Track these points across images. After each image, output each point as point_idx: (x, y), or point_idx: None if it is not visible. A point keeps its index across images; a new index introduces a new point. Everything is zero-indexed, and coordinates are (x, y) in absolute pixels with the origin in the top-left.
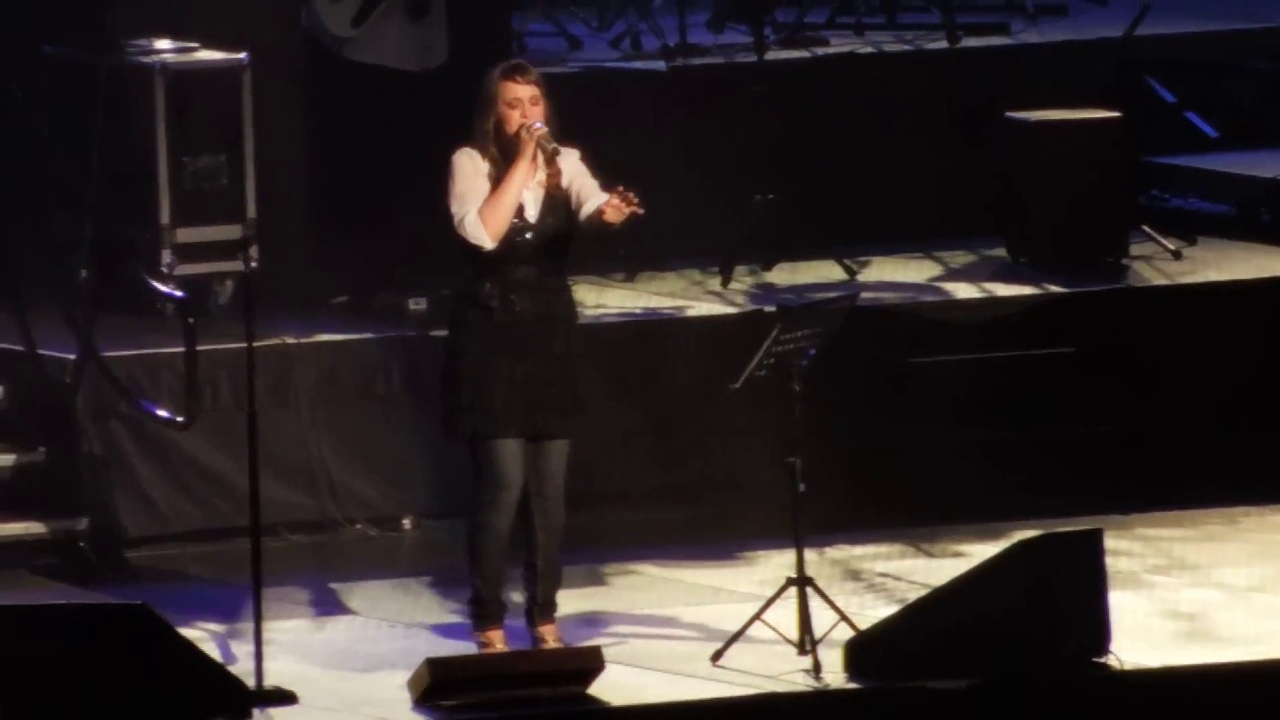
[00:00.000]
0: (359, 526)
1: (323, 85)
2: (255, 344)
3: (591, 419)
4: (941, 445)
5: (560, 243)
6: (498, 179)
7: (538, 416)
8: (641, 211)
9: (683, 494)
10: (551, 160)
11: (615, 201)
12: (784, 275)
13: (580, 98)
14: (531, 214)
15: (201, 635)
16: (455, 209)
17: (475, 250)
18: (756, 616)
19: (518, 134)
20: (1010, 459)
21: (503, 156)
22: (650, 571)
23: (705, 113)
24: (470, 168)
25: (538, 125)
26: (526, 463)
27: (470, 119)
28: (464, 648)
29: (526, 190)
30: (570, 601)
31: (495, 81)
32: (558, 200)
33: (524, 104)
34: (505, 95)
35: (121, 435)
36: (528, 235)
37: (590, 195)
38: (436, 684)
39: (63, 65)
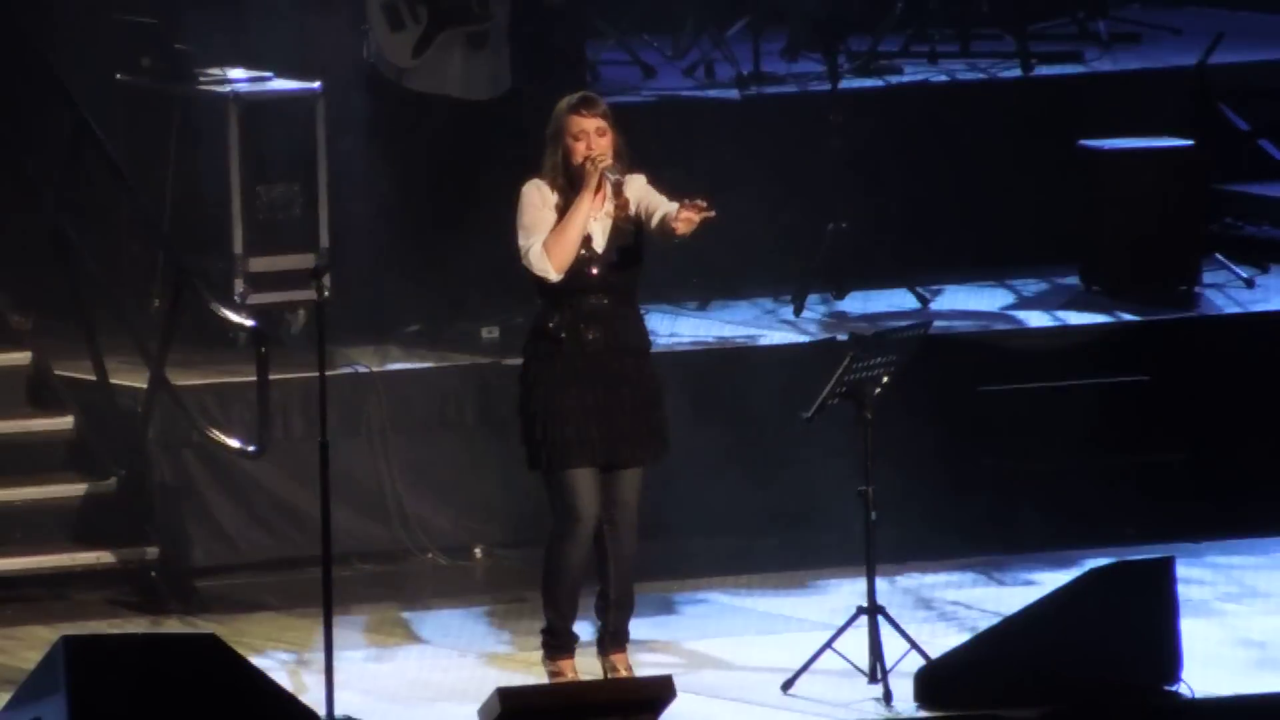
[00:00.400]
0: (430, 556)
1: (394, 113)
2: (327, 373)
3: (662, 448)
4: (1013, 473)
5: (629, 271)
6: (565, 211)
7: (612, 446)
8: (713, 215)
9: (754, 522)
10: (619, 192)
11: (686, 214)
12: (857, 304)
13: (654, 126)
14: (599, 244)
15: (272, 665)
16: (522, 241)
17: (542, 282)
18: (828, 645)
19: (582, 166)
20: (1082, 487)
21: (570, 189)
22: (721, 600)
23: (779, 141)
24: (538, 200)
25: (602, 158)
26: (600, 493)
27: (541, 150)
28: (535, 677)
29: (594, 220)
30: (641, 630)
31: (562, 115)
32: (625, 230)
33: (589, 136)
34: (571, 128)
35: (193, 464)
36: (594, 268)
37: (659, 206)
38: (507, 714)
39: (136, 94)
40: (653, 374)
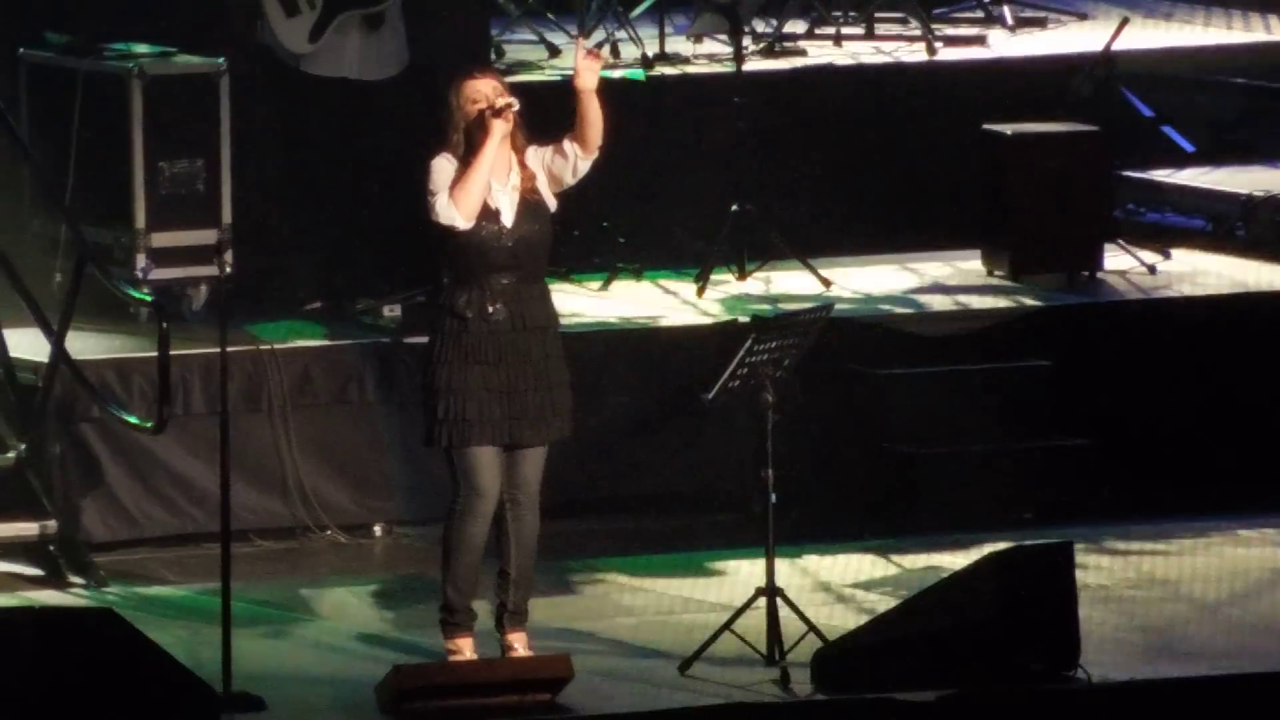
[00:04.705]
0: (330, 533)
1: (298, 91)
2: (229, 349)
3: (566, 427)
4: (913, 457)
5: (538, 247)
6: None
7: (515, 425)
8: (608, 59)
9: (654, 503)
10: (507, 113)
11: (585, 63)
12: (759, 286)
13: (558, 106)
14: (508, 219)
15: (169, 640)
16: (429, 200)
17: (450, 244)
18: (726, 627)
19: (481, 120)
20: (981, 471)
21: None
22: (620, 580)
23: (683, 123)
24: (447, 168)
25: (499, 101)
26: (502, 470)
27: (441, 128)
28: (433, 655)
29: (502, 195)
30: (540, 610)
31: (457, 88)
32: (533, 204)
33: (487, 96)
34: (469, 94)
35: (92, 439)
36: (506, 241)
37: (554, 146)
38: (404, 691)
39: (40, 68)
40: (558, 352)
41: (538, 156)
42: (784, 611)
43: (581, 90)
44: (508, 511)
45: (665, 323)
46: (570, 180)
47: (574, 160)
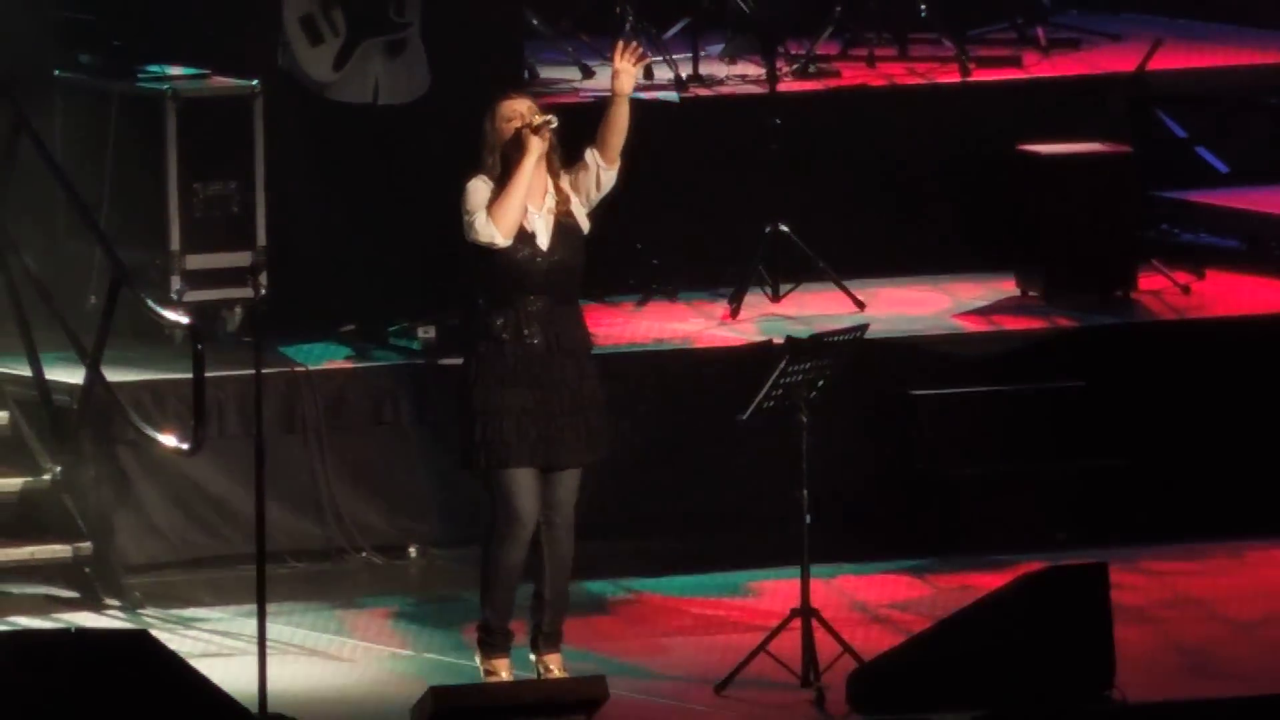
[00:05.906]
0: (364, 554)
1: (331, 113)
2: (263, 371)
3: (602, 449)
4: (948, 478)
5: (573, 270)
6: None
7: (550, 447)
8: (649, 58)
9: (689, 524)
10: (545, 130)
11: (623, 65)
12: (793, 306)
13: (593, 127)
14: (543, 242)
15: (204, 662)
16: (466, 220)
17: (486, 253)
18: (761, 647)
19: (518, 139)
20: (1017, 492)
21: (508, 177)
22: (656, 601)
23: (717, 143)
24: (483, 189)
25: (536, 119)
26: (539, 493)
27: (476, 150)
28: (468, 676)
29: (538, 218)
30: (575, 631)
31: (492, 112)
32: (568, 226)
33: (521, 115)
34: (505, 114)
35: (128, 461)
36: (541, 265)
37: (581, 162)
38: (440, 712)
39: (75, 90)
40: (592, 375)
41: (567, 179)
42: (819, 632)
43: (619, 94)
44: (543, 534)
45: (699, 344)
46: (595, 194)
47: (596, 170)
